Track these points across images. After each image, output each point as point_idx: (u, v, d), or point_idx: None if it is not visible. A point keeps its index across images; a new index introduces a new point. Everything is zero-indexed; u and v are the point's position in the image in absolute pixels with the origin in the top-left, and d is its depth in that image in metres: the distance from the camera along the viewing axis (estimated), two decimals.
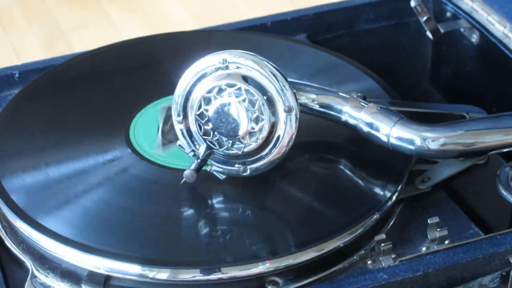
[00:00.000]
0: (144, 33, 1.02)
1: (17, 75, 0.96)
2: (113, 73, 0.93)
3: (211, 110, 0.75)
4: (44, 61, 0.98)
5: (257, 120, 0.75)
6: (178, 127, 0.77)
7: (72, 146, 0.82)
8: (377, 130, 0.77)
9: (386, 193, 0.78)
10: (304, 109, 0.79)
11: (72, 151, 0.82)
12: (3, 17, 1.59)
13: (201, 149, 0.76)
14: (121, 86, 0.91)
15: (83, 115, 0.87)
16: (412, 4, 0.96)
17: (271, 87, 0.74)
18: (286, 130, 0.75)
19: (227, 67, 0.74)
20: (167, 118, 0.85)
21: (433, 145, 0.76)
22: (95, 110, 0.87)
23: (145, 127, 0.85)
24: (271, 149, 0.76)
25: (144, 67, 0.93)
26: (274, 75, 0.74)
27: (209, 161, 0.77)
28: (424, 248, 0.77)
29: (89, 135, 0.84)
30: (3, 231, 0.79)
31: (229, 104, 0.74)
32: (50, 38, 1.52)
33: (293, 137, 0.75)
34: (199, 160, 0.76)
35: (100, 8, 1.61)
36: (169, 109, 0.86)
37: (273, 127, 0.75)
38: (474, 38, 0.98)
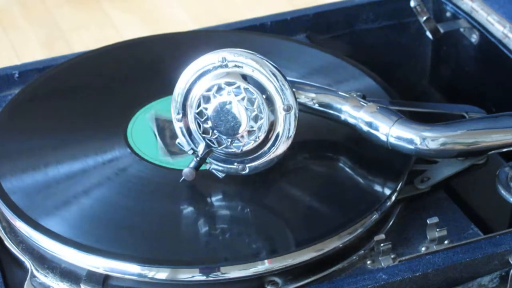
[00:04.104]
0: (144, 33, 1.02)
1: (17, 75, 0.96)
2: (112, 73, 0.93)
3: (210, 109, 0.75)
4: (44, 61, 0.98)
5: (256, 119, 0.74)
6: (178, 125, 0.77)
7: (71, 146, 0.82)
8: (377, 129, 0.77)
9: (385, 193, 0.78)
10: (304, 108, 0.79)
11: (71, 151, 0.82)
12: (3, 17, 1.58)
13: (200, 147, 0.76)
14: (120, 86, 0.91)
15: (82, 115, 0.87)
16: (412, 4, 0.96)
17: (271, 86, 0.74)
18: (285, 129, 0.75)
19: (226, 66, 0.74)
20: (161, 130, 0.85)
21: (433, 145, 0.76)
22: (94, 110, 0.87)
23: (144, 127, 0.85)
24: (270, 148, 0.76)
25: (143, 67, 0.93)
26: (274, 74, 0.74)
27: (208, 160, 0.77)
28: (423, 248, 0.76)
29: (88, 135, 0.84)
30: (2, 231, 0.79)
31: (228, 102, 0.74)
32: (50, 38, 1.52)
33: (292, 136, 0.75)
34: (198, 158, 0.76)
35: (100, 8, 1.61)
36: (157, 119, 0.86)
37: (272, 125, 0.75)
38: (474, 38, 0.98)
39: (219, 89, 0.75)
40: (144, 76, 0.92)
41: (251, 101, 0.74)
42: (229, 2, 1.61)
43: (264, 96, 0.74)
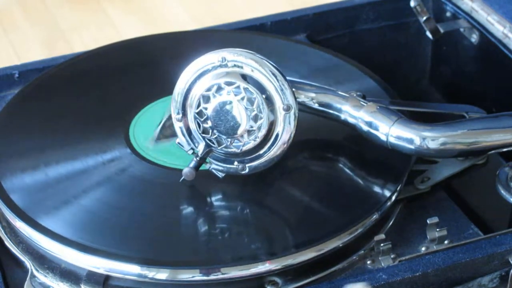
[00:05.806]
0: (144, 33, 1.01)
1: (16, 75, 0.96)
2: (113, 73, 0.93)
3: (210, 108, 0.75)
4: (44, 61, 0.98)
5: (255, 119, 0.74)
6: (177, 125, 0.77)
7: (71, 146, 0.82)
8: (376, 129, 0.77)
9: (385, 193, 0.78)
10: (303, 108, 0.79)
11: (71, 151, 0.82)
12: (3, 17, 1.58)
13: (200, 147, 0.76)
14: (121, 86, 0.91)
15: (83, 115, 0.87)
16: (412, 4, 0.96)
17: (270, 86, 0.74)
18: (285, 129, 0.75)
19: (226, 65, 0.74)
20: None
21: (433, 145, 0.75)
22: (94, 110, 0.87)
23: (145, 127, 0.85)
24: (269, 148, 0.76)
25: (144, 67, 0.93)
26: (274, 74, 0.74)
27: (208, 159, 0.77)
28: (423, 248, 0.77)
29: (88, 135, 0.83)
30: (2, 231, 0.79)
31: (228, 102, 0.74)
32: (50, 38, 1.52)
33: (292, 135, 0.75)
34: (198, 158, 0.76)
35: (100, 8, 1.61)
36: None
37: (271, 125, 0.75)
38: (474, 38, 0.98)
39: (219, 88, 0.75)
40: (144, 76, 0.92)
41: (250, 101, 0.74)
42: (229, 2, 1.61)
43: (263, 96, 0.74)
